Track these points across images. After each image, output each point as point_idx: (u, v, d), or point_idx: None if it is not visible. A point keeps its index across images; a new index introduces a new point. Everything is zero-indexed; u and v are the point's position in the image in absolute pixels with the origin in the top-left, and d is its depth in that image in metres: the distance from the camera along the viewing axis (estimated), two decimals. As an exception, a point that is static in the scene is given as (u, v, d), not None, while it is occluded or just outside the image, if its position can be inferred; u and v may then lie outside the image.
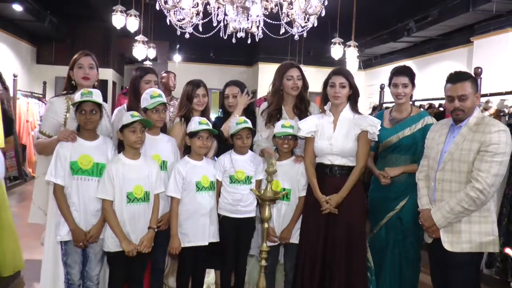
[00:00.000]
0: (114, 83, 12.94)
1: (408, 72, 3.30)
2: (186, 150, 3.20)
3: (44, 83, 10.14)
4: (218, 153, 3.41)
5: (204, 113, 3.45)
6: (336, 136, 3.09)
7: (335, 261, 3.03)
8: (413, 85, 3.31)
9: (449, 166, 2.68)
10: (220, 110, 3.50)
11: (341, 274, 3.02)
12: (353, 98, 3.16)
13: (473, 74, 2.78)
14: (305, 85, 3.45)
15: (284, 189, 3.19)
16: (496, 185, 2.59)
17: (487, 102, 5.05)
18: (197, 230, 3.06)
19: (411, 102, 3.55)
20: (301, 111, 3.42)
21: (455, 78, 2.69)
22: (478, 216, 2.63)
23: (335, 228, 3.06)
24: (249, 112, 3.56)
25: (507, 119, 4.55)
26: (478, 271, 2.83)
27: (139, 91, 3.28)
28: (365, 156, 3.09)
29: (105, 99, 2.95)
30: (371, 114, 5.77)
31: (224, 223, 3.18)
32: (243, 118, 3.21)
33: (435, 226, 2.70)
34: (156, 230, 2.92)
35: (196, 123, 3.05)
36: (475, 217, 2.63)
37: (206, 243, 3.08)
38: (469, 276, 2.70)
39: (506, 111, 4.81)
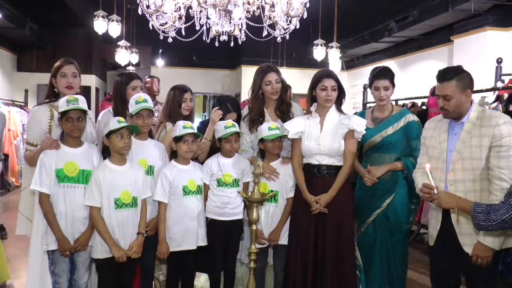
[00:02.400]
0: (97, 89, 12.84)
1: (388, 75, 3.30)
2: (172, 155, 3.19)
3: (26, 91, 9.99)
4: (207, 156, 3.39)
5: (189, 117, 3.46)
6: (323, 136, 3.10)
7: (326, 261, 3.04)
8: (393, 85, 3.32)
9: (460, 166, 2.60)
10: (205, 114, 3.49)
11: (332, 274, 3.03)
12: (339, 99, 3.18)
13: (462, 70, 2.68)
14: (284, 87, 3.44)
15: (271, 191, 3.19)
16: None
17: None
18: (186, 235, 3.05)
19: (393, 102, 3.56)
20: (283, 113, 3.43)
21: (442, 77, 2.64)
22: None
23: (325, 228, 3.06)
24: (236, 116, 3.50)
25: None
26: (497, 267, 2.79)
27: (125, 98, 3.28)
28: (352, 154, 3.11)
29: (88, 106, 2.92)
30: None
31: (212, 226, 3.18)
32: (231, 122, 3.20)
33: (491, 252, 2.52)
34: (145, 235, 2.91)
35: (181, 128, 3.05)
36: None
37: (195, 247, 3.07)
38: (489, 275, 2.63)
39: (487, 107, 4.80)
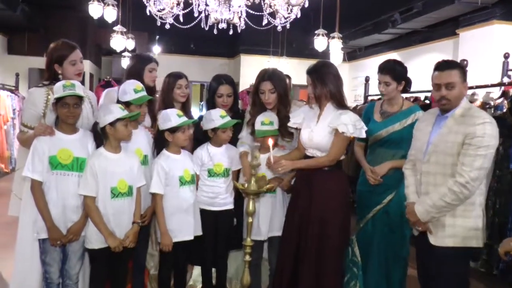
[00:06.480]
0: (91, 75, 12.78)
1: (390, 70, 3.21)
2: (159, 144, 3.12)
3: (17, 74, 9.80)
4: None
5: (185, 105, 3.46)
6: (315, 130, 3.04)
7: (306, 254, 3.00)
8: (400, 81, 3.22)
9: (434, 158, 2.64)
10: (202, 103, 3.42)
11: (311, 267, 2.98)
12: (332, 96, 3.02)
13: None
14: (280, 96, 3.28)
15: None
16: (480, 178, 2.55)
17: (473, 94, 5.07)
18: (182, 225, 3.04)
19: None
20: (281, 119, 3.29)
21: (444, 65, 2.65)
22: (463, 210, 2.59)
23: (308, 222, 3.01)
24: (234, 109, 3.50)
25: (492, 111, 4.55)
26: (465, 265, 2.79)
27: (143, 79, 3.26)
28: (333, 150, 2.99)
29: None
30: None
31: (203, 216, 3.17)
32: (224, 111, 3.20)
33: (420, 220, 2.68)
34: (140, 224, 2.88)
35: (176, 117, 2.99)
36: (459, 211, 2.60)
37: (192, 237, 3.07)
38: (455, 271, 2.66)
39: (492, 103, 4.82)
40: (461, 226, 2.59)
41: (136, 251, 2.96)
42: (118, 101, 3.00)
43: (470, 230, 2.60)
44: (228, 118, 3.14)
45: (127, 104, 2.94)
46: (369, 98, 7.13)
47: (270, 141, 2.86)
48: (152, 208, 3.05)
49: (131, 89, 2.97)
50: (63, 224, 2.69)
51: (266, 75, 3.26)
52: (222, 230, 3.23)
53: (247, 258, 2.97)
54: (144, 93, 2.99)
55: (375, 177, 3.17)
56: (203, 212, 3.17)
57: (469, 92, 4.86)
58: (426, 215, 2.62)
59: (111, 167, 2.74)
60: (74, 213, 2.72)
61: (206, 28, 5.25)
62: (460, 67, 2.67)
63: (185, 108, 3.42)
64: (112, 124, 2.72)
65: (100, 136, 2.78)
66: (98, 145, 2.81)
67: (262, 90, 3.25)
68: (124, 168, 2.79)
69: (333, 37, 7.91)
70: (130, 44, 9.74)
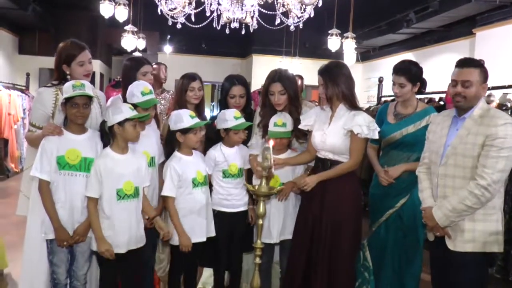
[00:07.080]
0: (101, 75, 12.79)
1: (405, 71, 3.18)
2: (168, 146, 3.09)
3: (27, 74, 9.83)
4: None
5: (199, 107, 3.44)
6: (328, 132, 3.00)
7: (319, 257, 2.98)
8: (415, 82, 3.18)
9: (452, 161, 2.60)
10: (213, 104, 3.35)
11: (323, 271, 2.96)
12: (344, 97, 2.98)
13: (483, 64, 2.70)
14: (291, 98, 3.23)
15: (283, 184, 3.12)
16: (502, 181, 2.52)
17: (489, 95, 5.05)
18: (195, 227, 3.02)
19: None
20: (294, 120, 3.25)
21: (464, 63, 2.62)
22: (483, 214, 2.54)
23: (321, 226, 2.98)
24: (246, 110, 3.47)
25: (509, 113, 4.49)
26: (484, 271, 2.72)
27: None
28: (355, 154, 2.95)
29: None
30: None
31: (218, 218, 3.16)
32: (238, 112, 3.19)
33: (439, 225, 2.62)
34: (149, 226, 2.89)
35: (188, 118, 2.97)
36: (479, 215, 2.55)
37: (204, 239, 3.05)
38: (473, 277, 2.62)
39: (509, 105, 4.82)
40: (481, 230, 2.55)
41: (144, 254, 2.93)
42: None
43: (491, 235, 2.55)
44: (242, 120, 3.12)
45: (134, 106, 2.91)
46: (383, 99, 7.10)
47: (271, 142, 2.83)
48: (159, 209, 3.03)
49: (138, 91, 2.95)
50: (70, 225, 2.68)
51: (276, 77, 3.21)
52: (237, 231, 3.22)
53: (258, 260, 2.94)
54: (151, 96, 2.96)
55: (387, 179, 3.15)
56: (218, 214, 3.16)
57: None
58: (445, 219, 2.56)
59: (118, 168, 2.71)
60: (81, 214, 2.71)
61: (218, 28, 5.23)
62: (482, 67, 2.61)
63: (199, 110, 3.39)
64: (120, 123, 2.70)
65: (107, 135, 2.75)
66: (105, 144, 2.79)
67: (272, 91, 3.20)
68: (131, 169, 2.76)
69: (347, 37, 7.83)
70: (141, 43, 9.73)
